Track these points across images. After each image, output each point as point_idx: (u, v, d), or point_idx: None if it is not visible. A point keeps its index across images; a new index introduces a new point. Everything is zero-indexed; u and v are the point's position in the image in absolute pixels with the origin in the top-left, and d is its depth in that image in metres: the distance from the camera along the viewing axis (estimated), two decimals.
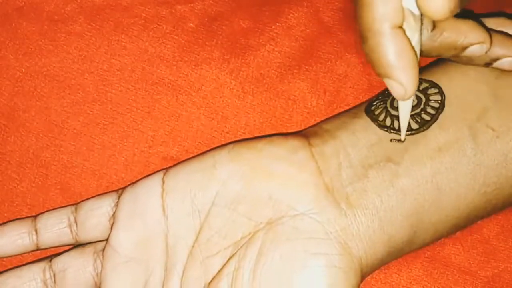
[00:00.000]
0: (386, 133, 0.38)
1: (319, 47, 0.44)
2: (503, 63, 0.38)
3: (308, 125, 0.43)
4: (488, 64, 0.38)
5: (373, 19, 0.33)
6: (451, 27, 0.36)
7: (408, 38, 0.34)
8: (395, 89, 0.34)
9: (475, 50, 0.37)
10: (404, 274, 0.42)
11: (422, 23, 0.35)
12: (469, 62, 0.38)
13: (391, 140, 0.38)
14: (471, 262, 0.42)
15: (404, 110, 0.37)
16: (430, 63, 0.42)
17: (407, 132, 0.38)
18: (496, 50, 0.37)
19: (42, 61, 0.44)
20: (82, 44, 0.44)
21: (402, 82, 0.34)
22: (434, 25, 0.36)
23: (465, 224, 0.40)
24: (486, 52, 0.37)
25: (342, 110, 0.43)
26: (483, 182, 0.38)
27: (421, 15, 0.35)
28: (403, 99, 0.35)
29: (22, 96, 0.43)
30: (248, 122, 0.43)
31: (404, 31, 0.34)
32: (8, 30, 0.44)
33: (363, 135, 0.38)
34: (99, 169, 0.43)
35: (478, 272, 0.42)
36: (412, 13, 0.34)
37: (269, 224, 0.37)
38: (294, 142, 0.39)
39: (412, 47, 0.34)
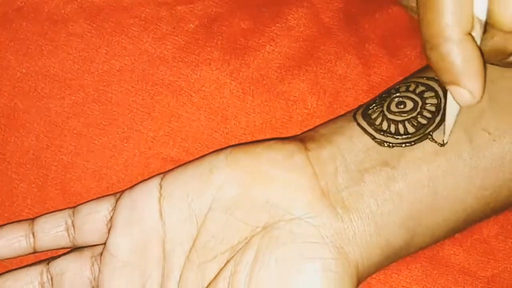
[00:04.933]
0: (383, 137, 0.38)
1: (319, 48, 0.44)
2: None
3: (308, 126, 0.43)
4: None
5: (444, 25, 0.32)
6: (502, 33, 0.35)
7: (477, 45, 0.33)
8: (463, 96, 0.33)
9: None
10: (403, 274, 0.42)
11: (485, 30, 0.34)
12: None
13: (387, 144, 0.38)
14: (471, 262, 0.42)
15: (452, 113, 0.37)
16: (426, 65, 0.42)
17: (404, 137, 0.38)
18: None
19: (42, 62, 0.44)
20: (82, 44, 0.44)
21: (471, 89, 0.33)
22: (485, 29, 0.34)
23: (463, 227, 0.40)
24: None
25: (342, 111, 0.43)
26: (480, 185, 0.38)
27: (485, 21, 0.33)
28: (469, 105, 0.34)
29: (22, 97, 0.43)
30: (248, 122, 0.43)
31: (473, 38, 0.33)
32: (8, 30, 0.44)
33: (359, 139, 0.38)
34: (99, 169, 0.43)
35: (478, 272, 0.42)
36: (479, 19, 0.33)
37: (265, 228, 0.37)
38: (290, 147, 0.39)
39: (482, 54, 0.33)
